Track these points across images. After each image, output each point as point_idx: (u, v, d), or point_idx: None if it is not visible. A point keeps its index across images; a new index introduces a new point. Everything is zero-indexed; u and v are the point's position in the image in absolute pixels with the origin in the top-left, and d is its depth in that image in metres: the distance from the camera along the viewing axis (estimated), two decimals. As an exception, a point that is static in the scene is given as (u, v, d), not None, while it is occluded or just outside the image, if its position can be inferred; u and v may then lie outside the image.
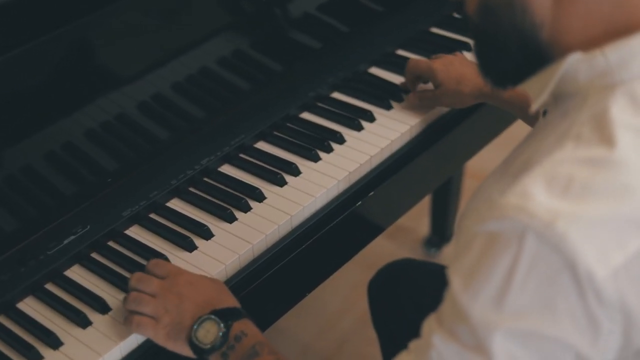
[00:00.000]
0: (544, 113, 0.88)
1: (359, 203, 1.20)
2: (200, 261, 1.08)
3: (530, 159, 0.73)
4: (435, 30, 1.56)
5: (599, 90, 0.72)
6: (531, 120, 1.20)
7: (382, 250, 2.01)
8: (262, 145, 1.28)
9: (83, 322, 1.00)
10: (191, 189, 1.20)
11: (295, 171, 1.21)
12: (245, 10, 1.34)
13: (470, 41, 1.46)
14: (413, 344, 0.78)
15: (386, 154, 1.27)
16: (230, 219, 1.14)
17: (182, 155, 1.23)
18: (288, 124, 1.32)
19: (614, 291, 0.65)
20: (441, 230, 2.14)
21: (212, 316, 0.94)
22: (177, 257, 1.08)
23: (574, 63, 0.73)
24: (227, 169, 1.24)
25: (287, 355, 0.94)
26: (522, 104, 1.21)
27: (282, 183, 1.19)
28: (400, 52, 1.50)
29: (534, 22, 0.73)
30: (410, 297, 1.28)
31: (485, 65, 0.82)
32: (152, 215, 1.16)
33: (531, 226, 0.66)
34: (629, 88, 0.71)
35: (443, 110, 1.35)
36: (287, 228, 1.14)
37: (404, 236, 2.21)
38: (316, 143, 1.26)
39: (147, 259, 1.07)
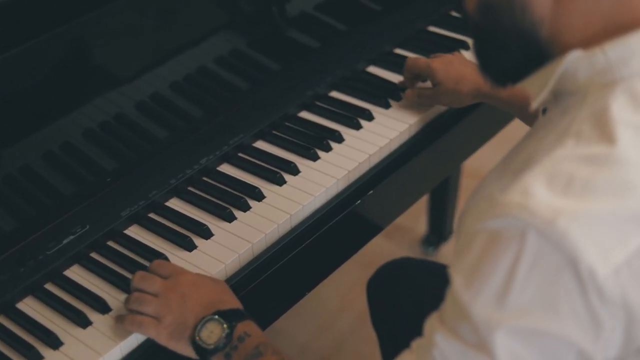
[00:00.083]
0: (544, 111, 0.88)
1: (358, 202, 1.20)
2: (199, 260, 1.07)
3: (530, 156, 0.73)
4: (433, 29, 1.56)
5: (599, 87, 0.72)
6: (530, 119, 1.20)
7: (380, 250, 2.01)
8: (261, 145, 1.28)
9: (83, 322, 1.00)
10: (190, 189, 1.20)
11: (294, 170, 1.21)
12: (243, 10, 1.34)
13: (469, 40, 1.48)
14: (415, 343, 0.78)
15: (385, 153, 1.27)
16: (230, 218, 1.14)
17: (181, 154, 1.23)
18: (287, 123, 1.32)
19: (615, 288, 0.65)
20: (439, 229, 2.14)
21: (216, 317, 0.94)
22: (177, 257, 1.08)
23: (574, 61, 0.73)
24: (226, 169, 1.24)
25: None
26: (521, 103, 1.21)
27: (281, 182, 1.19)
28: (399, 51, 1.50)
29: (534, 20, 0.73)
30: (408, 296, 1.28)
31: (485, 63, 0.82)
32: (152, 215, 1.16)
33: (532, 224, 0.65)
34: (629, 85, 0.71)
35: (441, 109, 1.35)
36: (287, 227, 1.14)
37: (402, 235, 2.21)
38: (315, 142, 1.26)
39: (147, 259, 1.08)
